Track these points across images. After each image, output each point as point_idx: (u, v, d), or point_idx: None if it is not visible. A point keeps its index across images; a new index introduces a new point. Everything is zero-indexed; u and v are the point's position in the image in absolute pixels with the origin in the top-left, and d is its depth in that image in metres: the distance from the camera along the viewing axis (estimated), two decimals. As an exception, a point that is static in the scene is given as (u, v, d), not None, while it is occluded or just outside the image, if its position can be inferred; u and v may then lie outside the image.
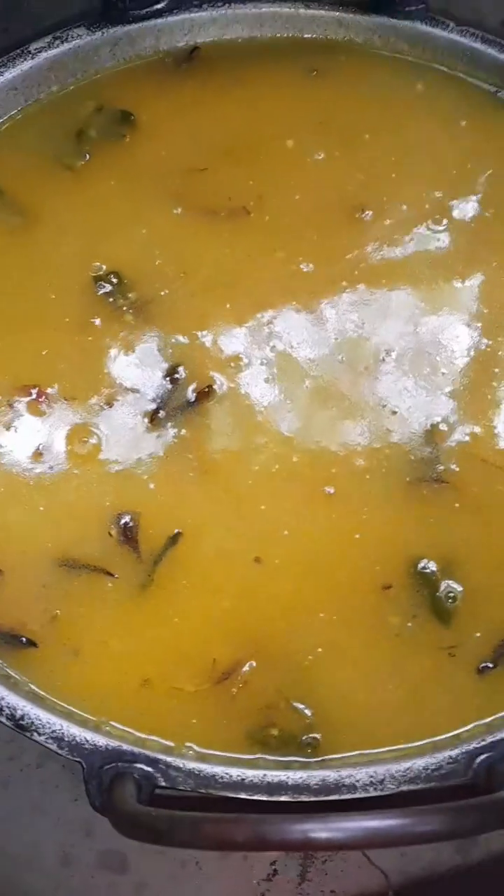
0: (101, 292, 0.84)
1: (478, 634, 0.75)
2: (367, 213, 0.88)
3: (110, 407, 0.80)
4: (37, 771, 0.81)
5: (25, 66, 0.90)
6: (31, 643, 0.73)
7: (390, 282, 0.85)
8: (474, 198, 0.90)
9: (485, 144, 0.92)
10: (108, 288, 0.84)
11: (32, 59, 0.90)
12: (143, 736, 0.70)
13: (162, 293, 0.84)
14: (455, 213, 0.89)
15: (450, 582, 0.75)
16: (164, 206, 0.88)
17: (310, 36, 0.95)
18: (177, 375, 0.81)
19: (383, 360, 0.82)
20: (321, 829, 0.55)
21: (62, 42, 0.91)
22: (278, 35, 0.95)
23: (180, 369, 0.81)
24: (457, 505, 0.77)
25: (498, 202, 0.89)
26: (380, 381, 0.82)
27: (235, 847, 0.56)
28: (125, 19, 0.92)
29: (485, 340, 0.83)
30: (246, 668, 0.72)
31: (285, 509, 0.77)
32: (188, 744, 0.70)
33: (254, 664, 0.73)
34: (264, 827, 0.55)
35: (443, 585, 0.75)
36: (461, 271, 0.86)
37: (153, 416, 0.79)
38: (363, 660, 0.74)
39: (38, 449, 0.79)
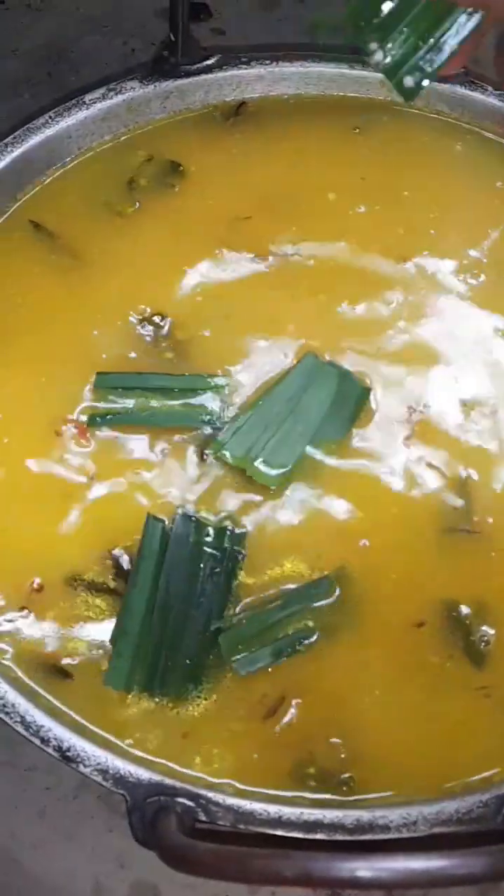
0: (142, 331, 0.87)
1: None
2: (408, 263, 0.90)
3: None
4: (73, 802, 0.82)
5: (80, 115, 0.93)
6: (66, 674, 0.75)
7: (429, 332, 0.88)
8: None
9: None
10: (151, 328, 0.87)
11: (87, 109, 0.93)
12: (185, 771, 0.72)
13: (203, 333, 0.87)
14: (491, 269, 0.92)
15: (483, 626, 0.77)
16: (209, 251, 0.91)
17: (354, 94, 0.98)
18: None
19: (421, 410, 0.85)
20: (367, 868, 0.58)
21: (116, 94, 0.94)
22: (323, 93, 0.98)
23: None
24: (493, 554, 0.79)
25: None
26: (415, 433, 0.84)
27: (284, 882, 0.58)
28: (176, 74, 0.95)
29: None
30: (292, 706, 0.74)
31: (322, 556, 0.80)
32: (228, 780, 0.72)
33: (299, 701, 0.75)
34: (312, 864, 0.57)
35: (477, 629, 0.77)
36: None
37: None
38: (399, 700, 0.76)
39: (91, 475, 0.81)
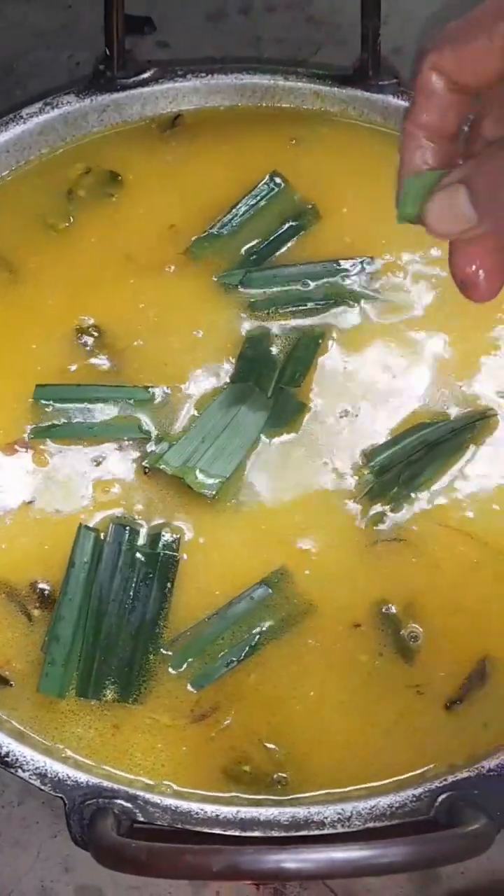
0: (80, 343, 0.88)
1: (442, 673, 0.78)
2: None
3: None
4: (17, 808, 0.83)
5: (17, 130, 0.94)
6: (5, 681, 0.76)
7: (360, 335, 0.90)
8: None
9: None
10: (89, 339, 0.88)
11: (24, 123, 0.94)
12: (123, 774, 0.73)
13: (142, 344, 0.88)
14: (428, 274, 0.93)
15: (411, 623, 0.79)
16: (147, 263, 0.92)
17: (288, 105, 0.99)
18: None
19: (350, 411, 0.86)
20: (292, 860, 0.59)
21: (52, 108, 0.95)
22: (259, 104, 0.99)
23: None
24: (413, 560, 0.81)
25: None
26: (342, 437, 0.86)
27: (212, 876, 0.59)
28: (113, 87, 0.96)
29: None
30: (225, 712, 0.76)
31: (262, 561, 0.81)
32: (166, 781, 0.73)
33: (234, 705, 0.76)
34: (239, 857, 0.59)
35: (406, 626, 0.79)
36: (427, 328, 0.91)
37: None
38: (335, 700, 0.77)
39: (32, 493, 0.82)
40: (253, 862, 0.58)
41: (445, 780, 0.72)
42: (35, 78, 1.15)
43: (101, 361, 0.88)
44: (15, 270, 0.91)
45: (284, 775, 0.74)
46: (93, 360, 0.88)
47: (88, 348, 0.88)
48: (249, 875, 0.58)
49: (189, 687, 0.77)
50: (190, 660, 0.77)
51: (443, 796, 0.71)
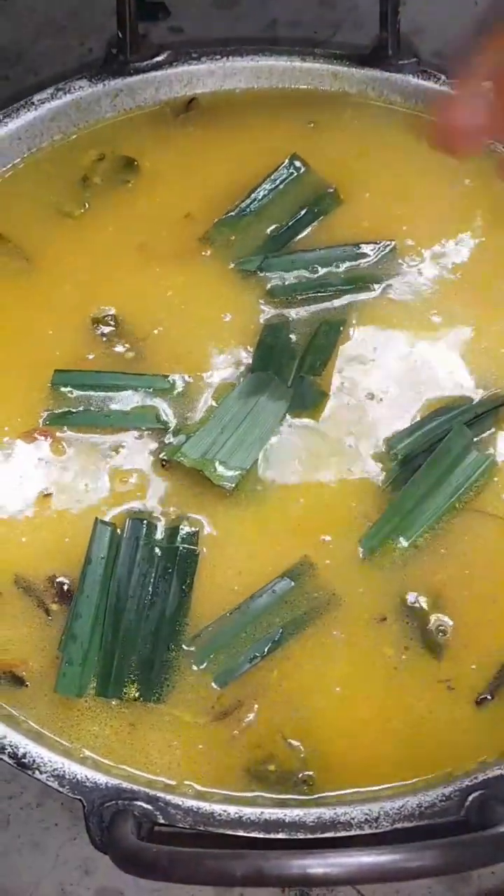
0: (98, 332, 0.86)
1: (473, 666, 0.76)
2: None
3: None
4: (36, 809, 0.82)
5: (29, 116, 0.92)
6: (21, 682, 0.74)
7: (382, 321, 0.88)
8: (470, 244, 0.92)
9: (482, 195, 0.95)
10: (107, 329, 0.86)
11: (35, 109, 0.92)
12: (143, 774, 0.71)
13: (161, 332, 0.86)
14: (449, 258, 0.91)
15: (439, 615, 0.77)
16: (165, 250, 0.90)
17: (305, 87, 0.97)
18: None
19: (374, 397, 0.84)
20: (318, 865, 0.57)
21: (64, 94, 0.93)
22: (275, 87, 0.97)
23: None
24: (443, 551, 0.79)
25: (495, 248, 0.92)
26: (364, 424, 0.84)
27: (234, 882, 0.57)
28: (125, 71, 0.94)
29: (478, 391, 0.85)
30: (248, 709, 0.73)
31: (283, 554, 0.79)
32: (187, 782, 0.71)
33: (257, 702, 0.74)
34: (263, 862, 0.56)
35: (433, 619, 0.76)
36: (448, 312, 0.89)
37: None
38: (361, 696, 0.75)
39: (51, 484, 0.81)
40: (278, 867, 0.56)
41: (476, 778, 0.69)
42: (47, 66, 1.13)
43: (120, 350, 0.86)
44: (31, 259, 0.90)
45: (310, 773, 0.72)
46: (111, 350, 0.86)
47: (105, 338, 0.86)
48: (275, 881, 0.56)
49: (213, 684, 0.74)
50: (212, 656, 0.75)
51: (473, 795, 0.69)
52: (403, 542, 0.78)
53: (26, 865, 0.80)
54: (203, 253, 0.90)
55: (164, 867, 0.58)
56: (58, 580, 0.77)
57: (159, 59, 0.95)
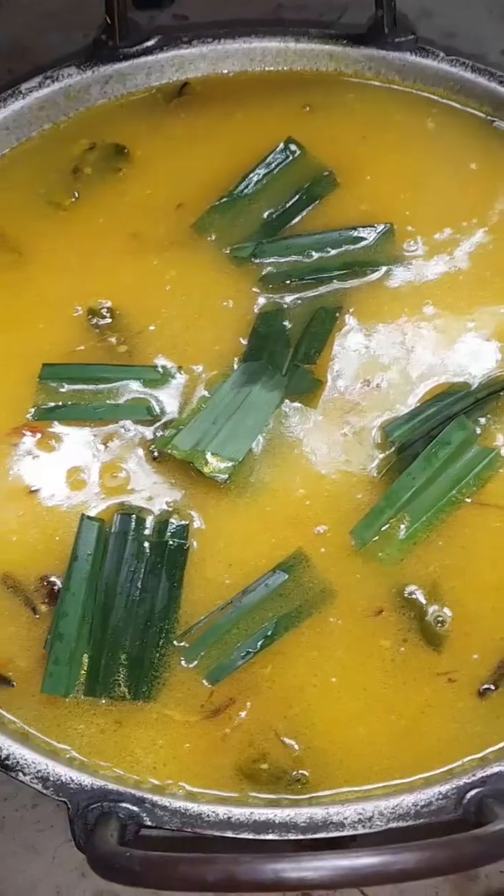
0: (91, 324, 0.84)
1: (475, 657, 0.73)
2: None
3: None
4: (31, 811, 0.80)
5: (16, 105, 0.91)
6: (7, 682, 0.73)
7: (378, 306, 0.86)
8: (473, 229, 0.90)
9: (487, 174, 0.93)
10: (99, 321, 0.84)
11: (23, 98, 0.91)
12: (130, 775, 0.69)
13: (154, 325, 0.84)
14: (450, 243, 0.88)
15: (438, 606, 0.74)
16: (158, 241, 0.88)
17: (300, 69, 0.95)
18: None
19: (371, 385, 0.82)
20: (292, 870, 0.54)
21: (53, 81, 0.92)
22: (269, 69, 0.95)
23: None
24: (440, 543, 0.77)
25: (499, 233, 0.90)
26: (360, 412, 0.81)
27: (207, 887, 0.55)
28: (115, 57, 0.92)
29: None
30: (240, 706, 0.72)
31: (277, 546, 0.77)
32: (178, 782, 0.69)
33: (250, 698, 0.72)
34: (235, 867, 0.54)
35: (431, 610, 0.74)
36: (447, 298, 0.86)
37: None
38: (357, 689, 0.72)
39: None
40: (250, 872, 0.54)
41: (474, 775, 0.67)
42: (48, 59, 1.11)
43: (111, 342, 0.84)
44: (20, 251, 0.88)
45: (304, 772, 0.70)
46: (102, 342, 0.84)
47: (98, 330, 0.84)
48: (246, 886, 0.54)
49: (204, 681, 0.72)
50: (203, 652, 0.73)
51: (471, 793, 0.66)
52: (400, 535, 0.76)
53: (21, 868, 0.79)
54: (196, 240, 0.88)
55: (136, 872, 0.57)
56: (50, 579, 0.76)
57: (149, 43, 0.93)
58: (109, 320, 0.85)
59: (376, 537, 0.76)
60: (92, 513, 0.77)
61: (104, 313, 0.85)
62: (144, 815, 0.66)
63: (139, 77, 0.93)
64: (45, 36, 1.13)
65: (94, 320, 0.85)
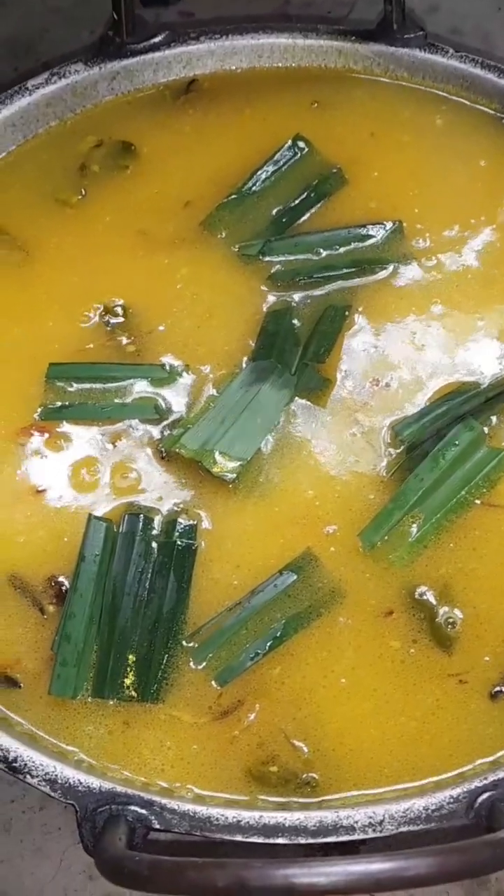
0: (100, 323, 0.84)
1: (487, 658, 0.73)
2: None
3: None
4: (39, 813, 0.79)
5: (23, 102, 0.90)
6: (14, 683, 0.72)
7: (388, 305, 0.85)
8: (483, 226, 0.89)
9: (496, 171, 0.92)
10: (111, 319, 0.84)
11: (30, 95, 0.90)
12: (139, 777, 0.68)
13: (153, 320, 0.84)
14: (460, 241, 0.88)
15: (448, 608, 0.74)
16: (166, 239, 0.87)
17: (308, 65, 0.94)
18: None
19: (380, 384, 0.81)
20: (304, 875, 0.54)
21: (60, 78, 0.91)
22: (277, 66, 0.94)
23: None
24: (451, 545, 0.76)
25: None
26: (370, 412, 0.81)
27: (217, 893, 0.54)
28: (122, 54, 0.92)
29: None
30: (249, 708, 0.71)
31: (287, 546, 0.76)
32: (187, 784, 0.68)
33: (259, 701, 0.71)
34: (245, 872, 0.54)
35: (442, 611, 0.73)
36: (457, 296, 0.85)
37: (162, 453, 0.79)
38: (367, 691, 0.72)
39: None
40: (260, 877, 0.54)
41: (486, 778, 0.66)
42: (55, 55, 1.11)
43: (120, 341, 0.83)
44: (28, 250, 0.88)
45: (314, 775, 0.69)
46: (111, 340, 0.84)
47: (110, 328, 0.84)
48: (257, 891, 0.53)
49: (212, 682, 0.72)
50: (212, 653, 0.72)
51: (483, 797, 0.66)
52: (411, 537, 0.75)
53: (29, 871, 0.78)
54: (205, 238, 0.87)
55: (144, 876, 0.56)
56: (58, 580, 0.75)
57: (157, 39, 0.93)
58: (122, 319, 0.84)
59: (386, 538, 0.75)
60: (100, 513, 0.76)
61: (118, 311, 0.84)
62: (153, 817, 0.65)
63: (146, 74, 0.93)
64: (52, 32, 1.13)
65: (107, 318, 0.84)
